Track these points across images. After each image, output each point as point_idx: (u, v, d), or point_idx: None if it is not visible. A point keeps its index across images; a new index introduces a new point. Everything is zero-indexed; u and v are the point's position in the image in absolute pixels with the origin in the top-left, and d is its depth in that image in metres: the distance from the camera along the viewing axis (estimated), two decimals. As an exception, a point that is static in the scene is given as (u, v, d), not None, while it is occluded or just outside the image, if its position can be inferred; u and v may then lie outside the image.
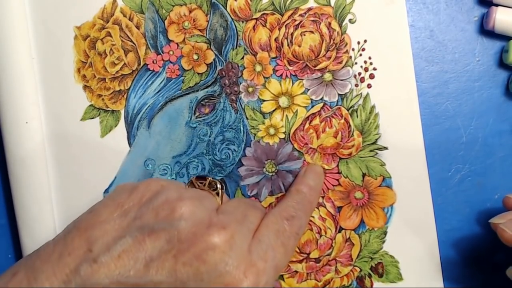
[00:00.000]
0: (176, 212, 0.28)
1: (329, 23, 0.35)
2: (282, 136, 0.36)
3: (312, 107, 0.35)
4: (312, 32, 0.35)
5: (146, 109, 0.36)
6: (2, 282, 0.27)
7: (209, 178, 0.32)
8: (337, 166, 0.35)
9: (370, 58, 0.35)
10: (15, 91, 0.35)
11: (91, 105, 0.37)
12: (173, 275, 0.27)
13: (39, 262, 0.27)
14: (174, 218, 0.27)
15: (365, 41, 0.35)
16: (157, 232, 0.27)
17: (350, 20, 0.35)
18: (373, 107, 0.35)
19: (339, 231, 0.36)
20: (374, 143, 0.35)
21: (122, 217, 0.28)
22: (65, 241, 0.28)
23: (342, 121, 0.35)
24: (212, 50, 0.36)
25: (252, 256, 0.28)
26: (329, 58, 0.35)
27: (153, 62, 0.36)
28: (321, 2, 0.35)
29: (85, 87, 0.37)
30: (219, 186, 0.31)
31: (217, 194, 0.31)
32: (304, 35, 0.35)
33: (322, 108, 0.35)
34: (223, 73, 0.36)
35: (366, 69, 0.35)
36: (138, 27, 0.36)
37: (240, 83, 0.36)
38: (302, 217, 0.32)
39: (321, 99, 0.35)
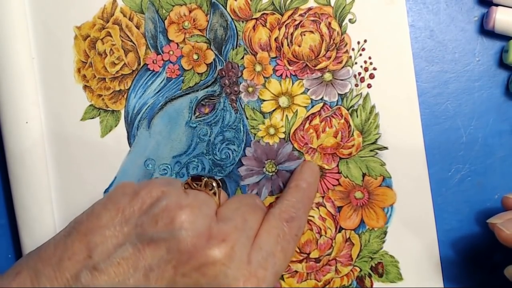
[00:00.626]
0: (176, 222, 0.27)
1: (329, 23, 0.35)
2: (282, 136, 0.36)
3: (312, 107, 0.35)
4: (312, 32, 0.35)
5: (146, 109, 0.36)
6: (6, 281, 0.27)
7: (205, 179, 0.32)
8: (337, 166, 0.35)
9: (370, 58, 0.35)
10: (15, 91, 0.35)
11: (91, 105, 0.37)
12: (172, 286, 0.27)
13: (40, 264, 0.28)
14: (174, 227, 0.27)
15: (365, 41, 0.35)
16: (157, 241, 0.27)
17: (350, 20, 0.35)
18: (373, 107, 0.35)
19: (339, 231, 0.36)
20: (374, 143, 0.35)
21: (122, 223, 0.28)
22: (65, 244, 0.28)
23: (342, 121, 0.35)
24: (212, 50, 0.36)
25: (251, 266, 0.28)
26: (329, 58, 0.35)
27: (153, 62, 0.36)
28: (321, 2, 0.35)
29: (85, 87, 0.37)
30: (215, 185, 0.31)
31: (214, 194, 0.31)
32: (304, 35, 0.35)
33: (322, 108, 0.35)
34: (223, 73, 0.36)
35: (366, 69, 0.35)
36: (138, 27, 0.36)
37: (240, 83, 0.36)
38: (301, 216, 0.32)
39: (321, 99, 0.35)
